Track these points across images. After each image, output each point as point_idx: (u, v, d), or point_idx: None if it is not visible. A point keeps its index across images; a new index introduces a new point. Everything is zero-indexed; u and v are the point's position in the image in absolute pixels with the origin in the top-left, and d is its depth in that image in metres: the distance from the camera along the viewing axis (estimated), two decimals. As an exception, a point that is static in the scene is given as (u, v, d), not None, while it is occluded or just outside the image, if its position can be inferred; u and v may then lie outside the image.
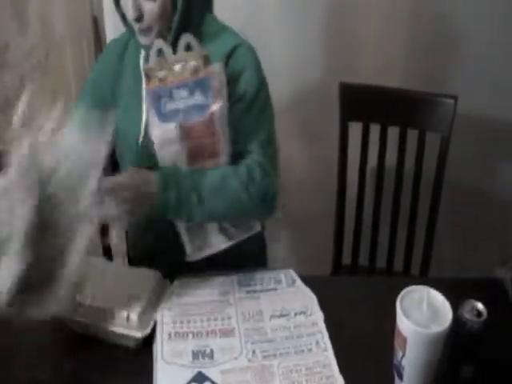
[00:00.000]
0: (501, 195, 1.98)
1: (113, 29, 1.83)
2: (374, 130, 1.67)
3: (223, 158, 1.18)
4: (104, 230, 1.58)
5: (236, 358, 1.10)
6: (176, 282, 1.25)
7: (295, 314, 1.19)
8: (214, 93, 1.12)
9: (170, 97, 1.12)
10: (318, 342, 1.13)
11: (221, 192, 1.16)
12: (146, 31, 1.20)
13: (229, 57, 1.21)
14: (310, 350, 1.11)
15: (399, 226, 1.74)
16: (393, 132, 1.66)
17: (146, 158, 1.22)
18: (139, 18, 1.17)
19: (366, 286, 1.32)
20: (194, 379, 1.06)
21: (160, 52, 1.13)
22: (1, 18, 2.40)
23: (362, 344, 1.15)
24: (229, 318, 1.18)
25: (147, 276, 1.22)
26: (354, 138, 1.69)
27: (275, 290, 1.25)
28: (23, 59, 2.63)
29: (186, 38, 1.13)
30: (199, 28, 1.24)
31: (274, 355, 1.10)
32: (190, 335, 1.14)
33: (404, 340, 0.98)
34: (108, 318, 1.13)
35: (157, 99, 1.13)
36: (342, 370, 1.08)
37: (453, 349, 1.06)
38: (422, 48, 1.84)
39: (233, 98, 1.19)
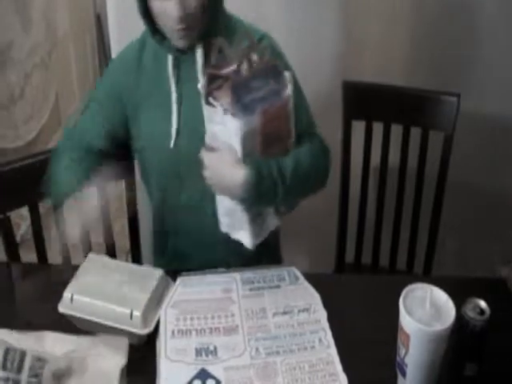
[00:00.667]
0: (504, 194, 1.98)
1: (116, 26, 1.82)
2: (377, 128, 1.67)
3: (292, 139, 1.19)
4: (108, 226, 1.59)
5: (239, 356, 1.10)
6: (179, 280, 1.25)
7: (298, 312, 1.19)
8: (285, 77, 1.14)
9: (247, 87, 1.10)
10: (321, 340, 1.13)
11: (310, 170, 1.20)
12: (188, 31, 1.16)
13: None
14: (313, 348, 1.11)
15: (402, 224, 1.74)
16: (396, 130, 1.66)
17: (177, 160, 1.27)
18: (182, 18, 1.13)
19: (369, 284, 1.33)
20: (197, 376, 1.06)
21: (220, 50, 1.12)
22: (5, 17, 2.41)
23: (365, 342, 1.15)
24: (232, 315, 1.18)
25: (150, 273, 1.22)
26: (357, 137, 1.69)
27: (278, 287, 1.25)
28: (27, 57, 2.64)
29: (219, 43, 1.13)
30: (224, 24, 1.23)
31: (277, 352, 1.11)
32: (194, 332, 1.14)
33: (407, 338, 0.98)
34: (111, 315, 1.13)
35: (235, 93, 1.09)
36: (345, 368, 1.08)
37: (456, 347, 1.06)
38: (425, 47, 1.83)
39: None
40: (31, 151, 2.39)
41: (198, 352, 1.10)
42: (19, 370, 1.00)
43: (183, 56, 1.23)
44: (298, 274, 1.29)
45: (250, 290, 1.25)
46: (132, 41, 1.34)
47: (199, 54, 1.21)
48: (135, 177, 1.56)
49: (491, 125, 1.88)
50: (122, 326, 1.12)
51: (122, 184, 1.57)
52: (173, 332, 1.14)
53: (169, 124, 1.27)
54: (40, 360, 1.02)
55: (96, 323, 1.13)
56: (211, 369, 1.07)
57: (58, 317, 1.16)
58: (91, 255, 1.27)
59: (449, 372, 1.06)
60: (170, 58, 1.24)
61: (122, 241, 1.70)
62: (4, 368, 0.99)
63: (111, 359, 1.06)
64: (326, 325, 1.16)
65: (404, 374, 1.02)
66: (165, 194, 1.37)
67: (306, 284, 1.26)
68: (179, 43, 1.20)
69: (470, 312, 1.05)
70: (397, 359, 1.03)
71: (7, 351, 1.01)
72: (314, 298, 1.22)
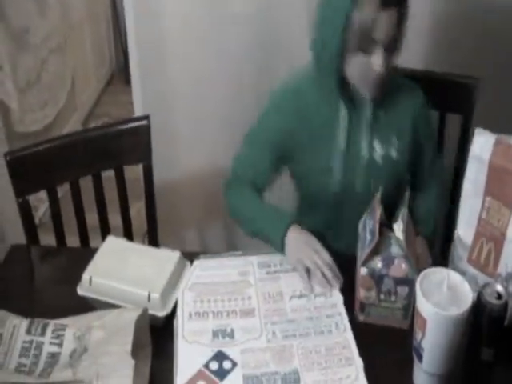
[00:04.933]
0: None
1: (132, 11, 1.82)
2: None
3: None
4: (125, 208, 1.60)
5: (256, 338, 1.11)
6: (196, 263, 1.26)
7: (315, 296, 1.20)
8: None
9: None
10: (337, 324, 1.14)
11: None
12: (379, 84, 1.25)
13: (419, 113, 1.38)
14: (329, 332, 1.12)
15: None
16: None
17: (338, 202, 1.37)
18: (384, 70, 1.21)
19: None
20: (214, 358, 1.07)
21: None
22: (21, 2, 2.41)
23: (381, 326, 1.16)
24: (249, 298, 1.19)
25: (168, 256, 1.23)
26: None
27: (295, 270, 1.25)
28: (43, 42, 2.65)
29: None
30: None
31: (294, 336, 1.11)
32: (211, 315, 1.15)
33: (424, 322, 0.97)
34: (129, 297, 1.14)
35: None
36: (361, 352, 1.08)
37: (473, 331, 1.06)
38: (444, 29, 1.81)
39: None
40: (48, 135, 2.42)
41: (215, 334, 1.11)
42: (43, 333, 1.08)
43: (354, 110, 1.31)
44: None
45: (267, 273, 1.25)
46: (277, 91, 1.37)
47: (368, 109, 1.31)
48: (152, 161, 1.57)
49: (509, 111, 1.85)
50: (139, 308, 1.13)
51: (140, 168, 1.58)
52: (190, 314, 1.15)
53: (331, 172, 1.34)
54: (61, 325, 1.08)
55: (114, 305, 1.14)
56: (228, 351, 1.08)
57: (76, 299, 1.17)
58: (110, 238, 1.28)
59: (465, 356, 1.06)
60: (342, 111, 1.30)
61: (139, 224, 1.71)
62: (28, 332, 1.08)
63: (127, 314, 1.08)
64: (343, 309, 1.17)
65: (420, 358, 1.02)
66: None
67: None
68: (368, 94, 1.28)
69: (487, 296, 1.05)
70: (413, 343, 1.03)
71: (32, 321, 1.10)
72: (330, 282, 1.22)
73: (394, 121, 1.34)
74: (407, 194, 1.23)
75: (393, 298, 1.14)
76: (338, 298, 1.19)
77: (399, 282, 1.12)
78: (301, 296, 1.20)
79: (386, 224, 1.17)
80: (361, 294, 1.15)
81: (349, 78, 1.26)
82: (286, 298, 1.19)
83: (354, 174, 1.35)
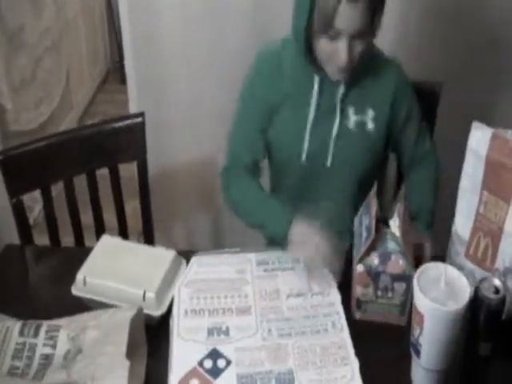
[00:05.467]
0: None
1: (126, 8, 1.81)
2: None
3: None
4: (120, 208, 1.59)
5: (251, 336, 1.10)
6: (193, 259, 1.25)
7: (312, 294, 1.18)
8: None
9: None
10: (334, 323, 1.12)
11: None
12: (346, 70, 1.24)
13: (396, 87, 1.35)
14: (326, 331, 1.11)
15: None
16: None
17: (309, 173, 1.36)
18: (349, 61, 1.21)
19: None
20: (208, 356, 1.06)
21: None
22: (17, 1, 2.40)
23: (379, 322, 1.15)
24: (245, 296, 1.18)
25: (163, 254, 1.22)
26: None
27: (293, 269, 1.24)
28: (38, 40, 2.64)
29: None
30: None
31: (289, 334, 1.10)
32: (206, 312, 1.14)
33: (421, 317, 0.97)
34: (124, 296, 1.13)
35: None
36: (358, 348, 1.07)
37: (470, 326, 1.05)
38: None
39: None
40: (44, 134, 2.40)
41: (210, 331, 1.10)
42: (36, 335, 1.06)
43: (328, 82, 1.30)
44: None
45: (265, 270, 1.24)
46: (260, 52, 1.38)
47: (342, 85, 1.30)
48: (147, 158, 1.56)
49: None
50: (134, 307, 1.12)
51: (135, 166, 1.57)
52: (186, 311, 1.14)
53: (302, 140, 1.34)
54: (55, 326, 1.07)
55: (109, 305, 1.13)
56: (222, 349, 1.07)
57: (71, 299, 1.16)
58: (104, 237, 1.27)
59: (462, 351, 1.05)
60: (316, 81, 1.30)
61: (135, 222, 1.70)
62: (21, 334, 1.06)
63: (122, 313, 1.07)
64: (340, 308, 1.15)
65: (418, 355, 1.01)
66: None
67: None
68: (334, 77, 1.28)
69: (484, 291, 1.04)
70: (411, 339, 1.02)
71: (25, 322, 1.08)
72: (329, 281, 1.20)
73: (370, 93, 1.33)
74: (403, 190, 1.22)
75: (390, 295, 1.13)
76: (335, 296, 1.18)
77: (396, 278, 1.11)
78: (298, 295, 1.18)
79: (382, 220, 1.16)
80: (357, 291, 1.14)
81: (318, 60, 1.26)
82: (282, 297, 1.18)
83: (326, 145, 1.33)
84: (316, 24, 1.18)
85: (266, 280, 1.21)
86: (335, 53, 1.20)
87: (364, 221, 1.17)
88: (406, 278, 1.10)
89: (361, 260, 1.12)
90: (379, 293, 1.13)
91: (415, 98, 1.40)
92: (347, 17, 1.15)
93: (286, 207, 1.29)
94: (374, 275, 1.12)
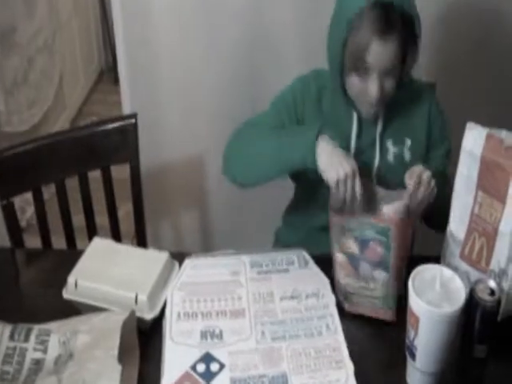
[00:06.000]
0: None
1: (119, 8, 1.79)
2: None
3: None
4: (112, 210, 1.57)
5: (245, 340, 1.08)
6: (187, 261, 1.24)
7: (306, 297, 1.17)
8: None
9: None
10: (328, 326, 1.11)
11: None
12: (377, 106, 1.25)
13: (429, 112, 1.34)
14: (320, 333, 1.10)
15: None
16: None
17: None
18: (380, 98, 1.21)
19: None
20: (201, 359, 1.04)
21: None
22: (9, 2, 2.38)
23: (373, 325, 1.14)
24: (239, 298, 1.17)
25: (155, 257, 1.21)
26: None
27: (287, 271, 1.23)
28: (30, 41, 2.62)
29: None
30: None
31: (284, 337, 1.09)
32: (200, 315, 1.13)
33: (416, 320, 0.96)
34: (116, 300, 1.12)
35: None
36: (353, 350, 1.06)
37: (466, 328, 1.05)
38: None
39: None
40: (36, 135, 2.39)
41: (203, 335, 1.09)
42: (26, 339, 1.05)
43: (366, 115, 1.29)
44: (308, 257, 1.26)
45: (258, 273, 1.23)
46: (296, 84, 1.34)
47: (380, 120, 1.30)
48: (140, 160, 1.55)
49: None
50: (126, 310, 1.11)
51: (127, 168, 1.55)
52: (178, 314, 1.13)
53: None
54: (46, 330, 1.06)
55: (101, 308, 1.12)
56: (216, 353, 1.06)
57: (62, 302, 1.15)
58: (96, 239, 1.26)
59: (458, 353, 1.04)
60: (355, 117, 1.30)
61: (129, 225, 1.69)
62: (12, 338, 1.05)
63: (114, 317, 1.06)
64: (335, 310, 1.14)
65: (413, 357, 1.00)
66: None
67: (316, 268, 1.23)
68: (364, 113, 1.28)
69: (480, 293, 1.03)
70: (406, 342, 1.01)
71: (15, 326, 1.07)
72: (323, 283, 1.19)
73: (406, 122, 1.33)
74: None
75: (371, 286, 1.12)
76: (330, 298, 1.17)
77: (376, 265, 1.11)
78: (292, 297, 1.17)
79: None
80: (341, 280, 1.15)
81: (350, 96, 1.26)
82: (276, 299, 1.17)
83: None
84: (348, 62, 1.19)
85: (260, 282, 1.20)
86: (366, 89, 1.20)
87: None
88: (385, 265, 1.10)
89: (341, 249, 1.13)
90: (362, 283, 1.13)
91: (445, 126, 1.37)
92: (379, 53, 1.16)
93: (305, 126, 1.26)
94: (355, 263, 1.12)
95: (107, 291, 1.13)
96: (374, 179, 1.32)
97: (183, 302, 1.15)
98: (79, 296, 1.14)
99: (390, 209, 1.09)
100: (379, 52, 1.16)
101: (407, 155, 1.32)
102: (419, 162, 1.27)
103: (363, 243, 1.11)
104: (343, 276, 1.14)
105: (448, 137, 1.37)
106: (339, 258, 1.14)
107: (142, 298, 1.11)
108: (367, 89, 1.20)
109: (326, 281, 1.20)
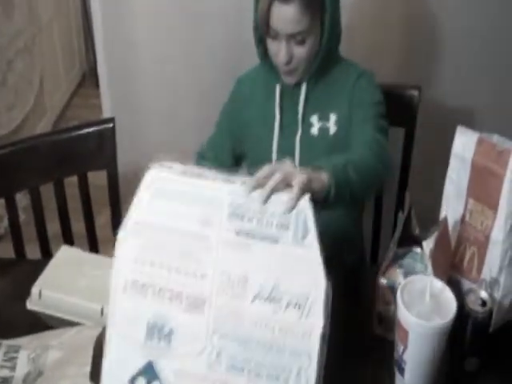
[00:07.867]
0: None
1: (99, 11, 1.76)
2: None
3: None
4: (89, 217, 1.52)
5: (196, 356, 0.89)
6: (153, 175, 0.94)
7: (287, 305, 0.86)
8: None
9: None
10: (299, 373, 0.86)
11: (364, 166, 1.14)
12: (293, 72, 1.29)
13: (354, 84, 1.34)
14: (286, 381, 0.86)
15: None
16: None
17: None
18: (289, 62, 1.26)
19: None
20: (143, 371, 0.90)
21: None
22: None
23: (361, 338, 1.09)
24: (202, 276, 0.89)
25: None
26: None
27: (275, 241, 0.87)
28: (9, 43, 2.56)
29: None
30: (332, 63, 1.34)
31: (242, 370, 0.88)
32: (150, 291, 0.90)
33: (406, 334, 0.92)
34: (81, 311, 1.07)
35: None
36: (339, 366, 0.94)
37: (456, 340, 1.00)
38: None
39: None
40: (16, 139, 2.33)
41: (150, 330, 0.89)
42: None
43: (289, 88, 1.34)
44: (311, 224, 0.86)
45: (237, 233, 0.88)
46: (240, 79, 1.43)
47: (303, 89, 1.32)
48: (118, 168, 1.49)
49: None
50: (92, 323, 1.05)
51: (105, 176, 1.50)
52: (125, 286, 0.90)
53: (270, 150, 1.37)
54: (14, 346, 1.01)
55: (67, 320, 1.07)
56: (160, 366, 0.89)
57: (33, 316, 1.09)
58: (64, 247, 1.21)
59: (449, 366, 1.00)
60: (277, 89, 1.34)
61: (109, 232, 1.64)
62: None
63: (87, 332, 1.02)
64: (316, 344, 0.85)
65: (402, 372, 0.96)
66: None
67: (315, 248, 0.86)
68: (285, 80, 1.32)
69: (471, 304, 1.00)
70: (394, 356, 0.97)
71: None
72: (317, 283, 0.86)
73: (330, 97, 1.34)
74: (407, 197, 1.12)
75: None
76: (317, 317, 0.85)
77: None
78: (269, 299, 0.87)
79: (417, 238, 1.09)
80: (379, 305, 1.09)
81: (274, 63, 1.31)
82: (249, 294, 0.87)
83: (291, 152, 1.33)
84: (260, 27, 1.24)
85: (235, 252, 0.88)
86: (278, 55, 1.25)
87: (396, 234, 1.10)
88: None
89: (383, 274, 1.07)
90: None
91: (376, 97, 1.33)
92: (281, 17, 1.20)
93: None
94: (396, 292, 1.00)
95: (72, 302, 1.08)
96: (297, 151, 1.34)
97: (134, 262, 0.90)
98: (43, 307, 1.09)
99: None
100: (280, 16, 1.20)
101: (332, 129, 1.33)
102: (344, 136, 1.31)
103: (410, 275, 1.03)
104: (381, 301, 1.08)
105: (375, 104, 1.31)
106: (381, 282, 1.07)
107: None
108: (278, 52, 1.25)
109: (322, 281, 0.85)
